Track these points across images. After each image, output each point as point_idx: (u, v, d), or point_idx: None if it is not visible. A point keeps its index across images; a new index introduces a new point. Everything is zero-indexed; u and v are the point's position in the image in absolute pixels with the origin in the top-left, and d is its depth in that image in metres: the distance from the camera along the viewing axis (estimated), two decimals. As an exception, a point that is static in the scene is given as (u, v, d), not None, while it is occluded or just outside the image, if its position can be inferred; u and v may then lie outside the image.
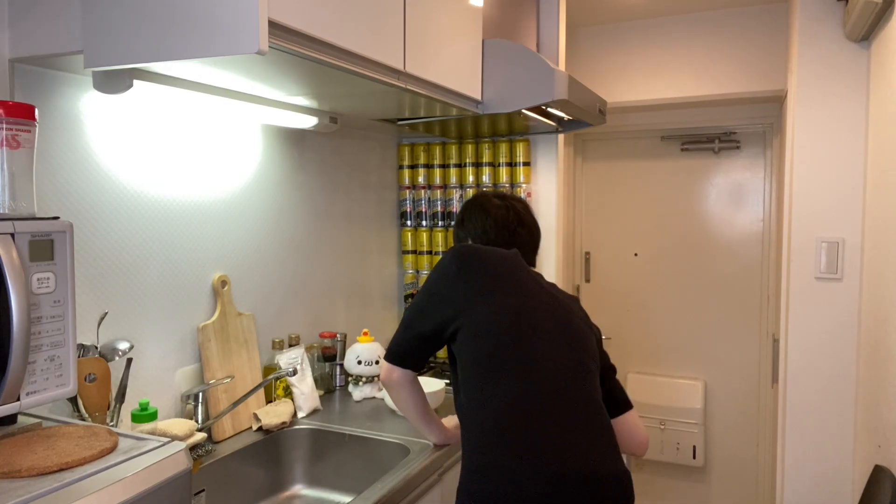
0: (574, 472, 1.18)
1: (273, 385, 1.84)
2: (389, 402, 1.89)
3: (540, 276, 1.44)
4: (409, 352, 1.42)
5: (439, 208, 2.52)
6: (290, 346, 1.92)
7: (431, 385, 1.96)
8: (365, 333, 2.12)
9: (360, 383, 2.03)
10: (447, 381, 2.13)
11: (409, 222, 2.57)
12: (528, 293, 1.35)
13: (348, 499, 1.68)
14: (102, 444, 0.91)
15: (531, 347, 1.28)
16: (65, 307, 0.97)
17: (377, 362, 2.05)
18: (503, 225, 1.54)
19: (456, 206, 2.50)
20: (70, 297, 0.97)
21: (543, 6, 2.41)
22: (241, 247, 1.81)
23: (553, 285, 1.44)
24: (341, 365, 2.13)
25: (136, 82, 1.29)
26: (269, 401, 1.83)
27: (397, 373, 1.44)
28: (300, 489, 1.75)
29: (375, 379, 2.06)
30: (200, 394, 1.59)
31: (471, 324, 1.31)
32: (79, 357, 1.30)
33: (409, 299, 2.58)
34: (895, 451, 1.61)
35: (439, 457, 1.59)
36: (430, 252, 2.55)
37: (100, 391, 1.31)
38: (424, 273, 2.56)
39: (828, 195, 2.21)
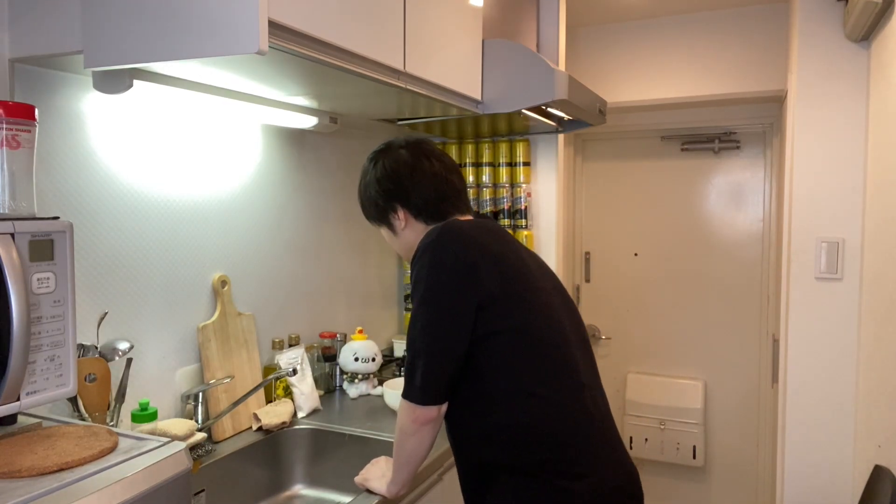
0: (628, 461, 1.25)
1: (273, 385, 1.84)
2: (389, 400, 1.89)
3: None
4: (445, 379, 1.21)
5: (439, 208, 2.52)
6: (290, 346, 1.92)
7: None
8: (359, 331, 2.12)
9: (357, 380, 2.04)
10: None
11: (409, 222, 2.57)
12: (537, 274, 1.29)
13: (348, 499, 1.68)
14: (102, 444, 0.91)
15: (562, 331, 1.26)
16: (65, 307, 0.97)
17: (374, 359, 2.05)
18: (445, 180, 1.38)
19: (456, 206, 2.49)
20: (70, 297, 0.97)
21: (543, 6, 2.41)
22: (241, 247, 1.81)
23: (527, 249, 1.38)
24: (341, 365, 2.13)
25: (136, 82, 1.29)
26: (269, 401, 1.83)
27: (436, 411, 1.22)
28: (300, 489, 1.75)
29: (371, 376, 2.06)
30: (200, 394, 1.59)
31: (506, 322, 1.18)
32: (79, 357, 1.30)
33: (410, 299, 2.58)
34: (895, 451, 1.61)
35: (439, 457, 1.59)
36: (430, 252, 2.54)
37: (100, 391, 1.31)
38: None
39: (828, 195, 2.21)
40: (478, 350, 1.19)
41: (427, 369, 1.19)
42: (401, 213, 1.38)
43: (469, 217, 1.39)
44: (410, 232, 1.39)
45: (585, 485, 1.15)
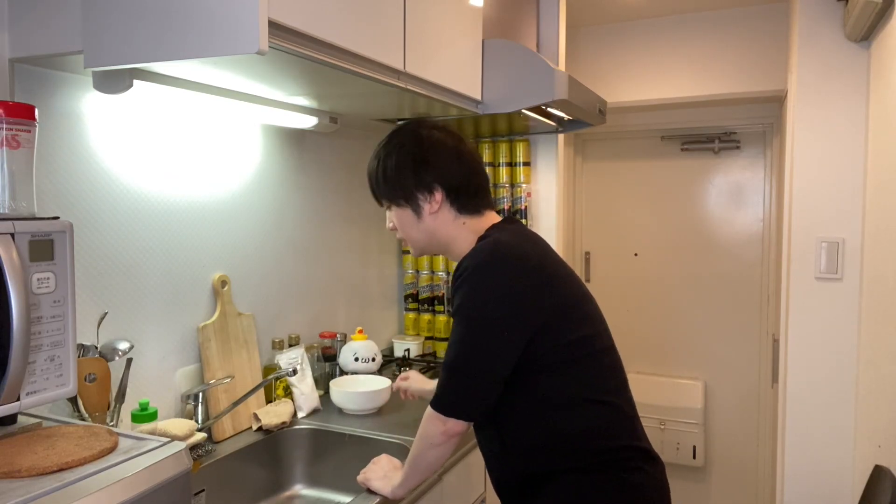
0: (657, 455, 1.29)
1: (273, 385, 1.84)
2: (335, 398, 1.87)
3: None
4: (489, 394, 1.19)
5: (439, 208, 2.52)
6: (290, 346, 1.92)
7: (378, 383, 1.95)
8: (359, 331, 2.12)
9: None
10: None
11: (409, 222, 2.57)
12: (577, 281, 1.27)
13: (348, 499, 1.68)
14: (102, 444, 0.91)
15: (609, 335, 1.29)
16: (65, 307, 0.97)
17: (374, 359, 2.05)
18: (483, 172, 1.33)
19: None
20: (70, 297, 0.97)
21: (543, 6, 2.41)
22: (241, 247, 1.81)
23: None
24: (341, 365, 2.13)
25: (136, 82, 1.29)
26: (269, 401, 1.83)
27: (466, 426, 1.21)
28: (300, 489, 1.75)
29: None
30: (200, 394, 1.59)
31: (567, 337, 1.18)
32: (79, 357, 1.30)
33: (410, 299, 2.58)
34: (895, 451, 1.61)
35: (439, 457, 1.59)
36: (430, 252, 2.54)
37: (100, 391, 1.31)
38: (425, 273, 2.55)
39: (828, 195, 2.21)
40: (539, 366, 1.18)
41: (464, 385, 1.17)
42: (438, 195, 1.27)
43: (499, 220, 1.33)
44: (439, 220, 1.28)
45: (641, 476, 1.20)
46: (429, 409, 1.22)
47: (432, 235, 1.31)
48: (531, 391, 1.19)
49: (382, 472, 1.38)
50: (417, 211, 1.29)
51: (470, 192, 1.30)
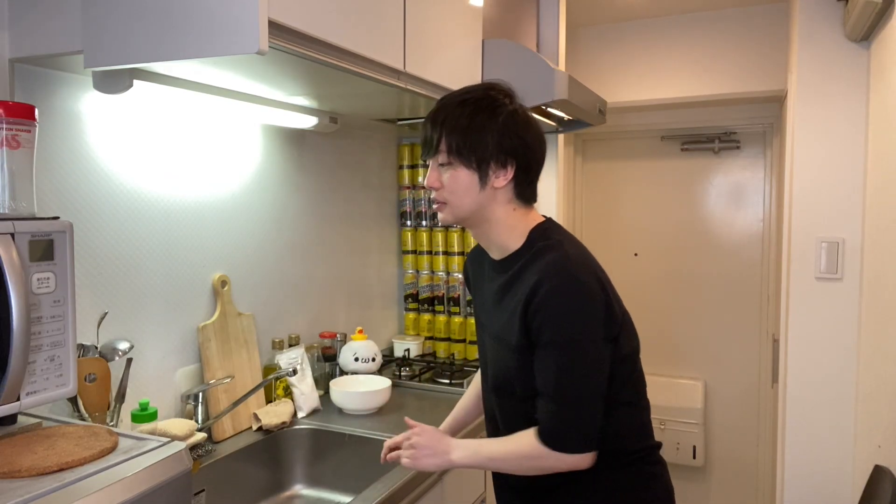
0: None
1: (273, 385, 1.84)
2: (335, 398, 1.87)
3: None
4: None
5: (439, 208, 2.52)
6: (290, 346, 1.92)
7: (378, 383, 1.95)
8: (359, 331, 2.12)
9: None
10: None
11: (409, 222, 2.57)
12: None
13: (348, 499, 1.68)
14: (102, 444, 0.91)
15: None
16: (65, 307, 0.97)
17: (374, 359, 2.05)
18: (542, 163, 1.24)
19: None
20: (70, 297, 0.97)
21: (543, 6, 2.41)
22: (241, 247, 1.81)
23: None
24: (341, 365, 2.13)
25: (136, 82, 1.29)
26: (269, 401, 1.83)
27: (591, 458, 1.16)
28: (300, 489, 1.75)
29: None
30: (200, 394, 1.59)
31: (630, 345, 1.22)
32: (79, 357, 1.30)
33: (410, 299, 2.58)
34: (895, 451, 1.61)
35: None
36: (430, 252, 2.55)
37: (100, 391, 1.31)
38: (425, 273, 2.55)
39: (828, 195, 2.21)
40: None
41: (588, 415, 1.13)
42: (510, 172, 1.17)
43: (542, 219, 1.26)
44: (497, 197, 1.19)
45: (662, 468, 1.29)
46: (563, 457, 1.13)
47: (482, 209, 1.20)
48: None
49: (430, 450, 1.24)
50: (484, 180, 1.17)
51: (532, 180, 1.23)
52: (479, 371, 1.45)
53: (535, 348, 1.15)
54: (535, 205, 1.27)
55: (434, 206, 1.24)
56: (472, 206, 1.19)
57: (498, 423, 1.32)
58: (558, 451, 1.13)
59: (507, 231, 1.22)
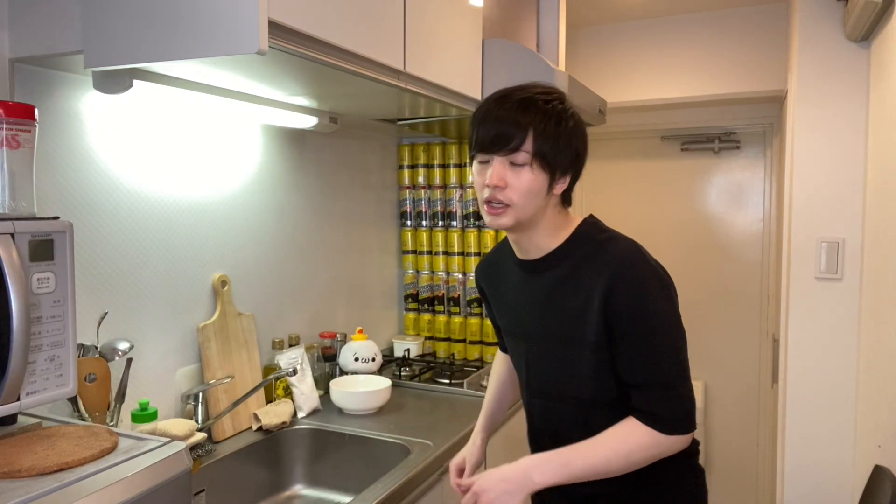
0: None
1: (273, 385, 1.84)
2: (335, 398, 1.87)
3: None
4: None
5: (439, 208, 2.52)
6: (290, 346, 1.92)
7: (378, 383, 1.95)
8: (359, 331, 2.12)
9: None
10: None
11: (409, 222, 2.57)
12: None
13: (348, 499, 1.68)
14: (102, 444, 0.91)
15: None
16: (65, 307, 0.97)
17: (374, 359, 2.05)
18: None
19: (456, 206, 2.49)
20: (70, 297, 0.97)
21: (543, 6, 2.41)
22: (241, 247, 1.81)
23: None
24: (341, 365, 2.13)
25: (136, 82, 1.29)
26: (269, 401, 1.83)
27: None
28: (300, 489, 1.75)
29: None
30: (200, 394, 1.59)
31: None
32: (79, 357, 1.30)
33: (410, 299, 2.58)
34: (895, 451, 1.61)
35: (439, 457, 1.59)
36: (430, 252, 2.55)
37: (100, 391, 1.31)
38: (425, 273, 2.55)
39: (828, 195, 2.21)
40: None
41: (691, 392, 1.15)
42: (567, 180, 1.19)
43: (581, 219, 1.29)
44: (551, 202, 1.19)
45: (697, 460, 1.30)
46: (655, 434, 1.12)
47: (540, 213, 1.18)
48: None
49: (506, 485, 1.12)
50: (551, 186, 1.16)
51: (573, 189, 1.25)
52: (504, 366, 1.50)
53: (619, 342, 1.14)
54: None
55: (488, 208, 1.16)
56: (534, 211, 1.16)
57: (543, 428, 1.29)
58: (678, 433, 1.12)
59: (553, 231, 1.22)
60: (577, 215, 1.27)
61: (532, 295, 1.25)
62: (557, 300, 1.20)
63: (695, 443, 1.27)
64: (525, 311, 1.27)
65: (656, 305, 1.12)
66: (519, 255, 1.27)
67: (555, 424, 1.27)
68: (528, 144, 1.12)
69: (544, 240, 1.22)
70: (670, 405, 1.13)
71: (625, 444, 1.13)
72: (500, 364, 1.53)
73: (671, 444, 1.13)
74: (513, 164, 1.13)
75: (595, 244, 1.19)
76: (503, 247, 1.36)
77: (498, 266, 1.35)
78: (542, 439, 1.31)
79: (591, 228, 1.23)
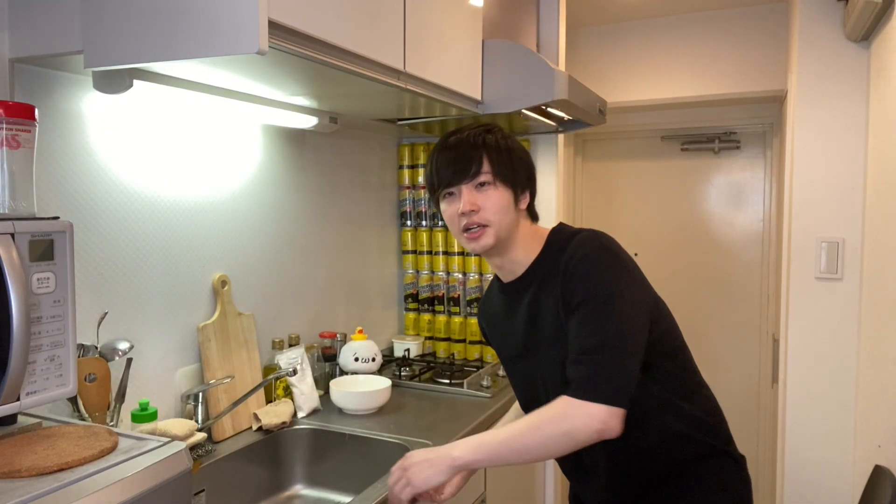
0: None
1: (273, 385, 1.84)
2: (335, 398, 1.87)
3: None
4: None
5: (439, 208, 2.52)
6: (290, 346, 1.92)
7: (378, 383, 1.94)
8: (359, 331, 2.12)
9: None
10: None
11: (409, 222, 2.57)
12: None
13: (348, 499, 1.68)
14: (102, 444, 0.91)
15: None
16: (65, 307, 0.97)
17: (374, 359, 2.05)
18: None
19: (456, 206, 2.48)
20: (70, 297, 0.97)
21: (543, 6, 2.41)
22: (241, 247, 1.81)
23: None
24: (341, 365, 2.13)
25: (136, 82, 1.29)
26: (269, 401, 1.83)
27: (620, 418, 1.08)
28: (300, 489, 1.75)
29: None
30: (200, 394, 1.59)
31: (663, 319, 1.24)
32: (79, 357, 1.30)
33: (410, 299, 2.58)
34: (895, 451, 1.61)
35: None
36: (430, 252, 2.55)
37: (100, 391, 1.31)
38: (425, 273, 2.55)
39: (828, 195, 2.21)
40: (661, 351, 1.22)
41: (622, 365, 1.08)
42: (527, 196, 1.28)
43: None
44: (520, 218, 1.26)
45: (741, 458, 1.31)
46: (586, 406, 1.07)
47: (512, 230, 1.24)
48: (662, 377, 1.21)
49: (426, 462, 1.16)
50: (516, 201, 1.24)
51: (534, 205, 1.32)
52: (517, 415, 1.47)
53: (573, 318, 1.14)
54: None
55: (468, 235, 1.22)
56: (510, 226, 1.23)
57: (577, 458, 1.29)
58: (590, 400, 1.06)
59: (528, 244, 1.27)
60: (547, 226, 1.32)
61: (519, 313, 1.28)
62: (540, 311, 1.24)
63: (729, 439, 1.29)
64: (516, 331, 1.30)
65: (599, 276, 1.12)
66: (503, 278, 1.32)
67: None
68: (486, 166, 1.21)
69: (522, 254, 1.27)
70: (588, 372, 1.08)
71: (538, 416, 1.11)
72: (514, 413, 1.52)
73: (585, 415, 1.06)
74: (478, 187, 1.21)
75: (560, 246, 1.22)
76: (490, 285, 1.43)
77: (489, 301, 1.42)
78: (567, 464, 1.34)
79: (559, 234, 1.27)
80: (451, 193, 1.23)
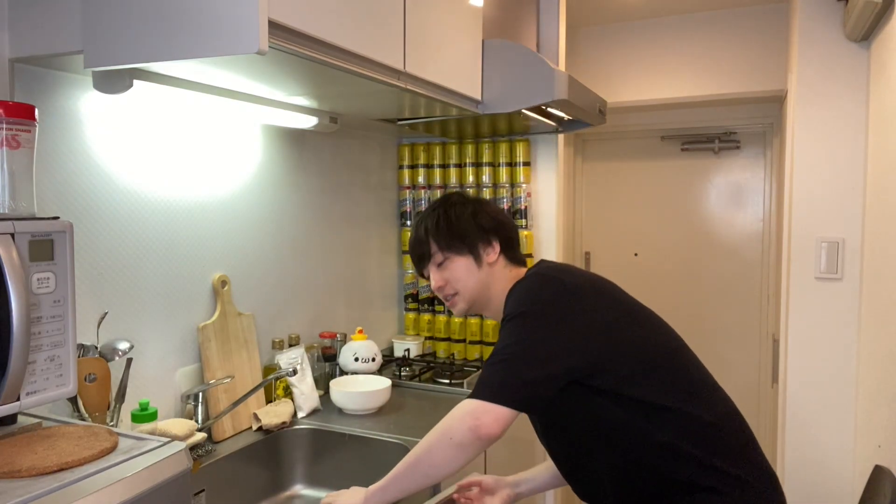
0: None
1: (273, 385, 1.84)
2: (335, 398, 1.87)
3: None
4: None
5: (439, 208, 2.52)
6: (290, 346, 1.92)
7: (378, 383, 1.94)
8: (359, 331, 2.12)
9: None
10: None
11: (409, 222, 2.57)
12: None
13: (348, 499, 1.68)
14: (102, 444, 0.91)
15: (657, 326, 1.33)
16: (65, 307, 0.97)
17: (374, 359, 2.05)
18: (516, 228, 1.43)
19: (456, 206, 2.49)
20: (70, 296, 0.97)
21: (543, 6, 2.41)
22: (241, 247, 1.81)
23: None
24: (341, 365, 2.13)
25: (136, 82, 1.29)
26: (269, 401, 1.83)
27: (504, 421, 1.08)
28: (300, 489, 1.75)
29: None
30: (200, 394, 1.59)
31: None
32: (79, 357, 1.30)
33: (410, 299, 2.58)
34: (895, 451, 1.61)
35: (439, 457, 1.59)
36: (430, 252, 2.54)
37: (100, 391, 1.31)
38: (424, 273, 2.55)
39: (828, 195, 2.21)
40: (621, 374, 1.17)
41: (513, 371, 1.09)
42: (496, 245, 1.34)
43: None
44: (495, 270, 1.33)
45: (705, 498, 1.14)
46: (464, 403, 1.10)
47: (486, 287, 1.33)
48: (624, 401, 1.14)
49: (350, 492, 1.27)
50: (478, 259, 1.33)
51: (516, 245, 1.38)
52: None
53: None
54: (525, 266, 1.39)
55: (447, 304, 1.37)
56: (478, 286, 1.33)
57: (584, 482, 1.25)
58: (474, 396, 1.09)
59: (506, 293, 1.30)
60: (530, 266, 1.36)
61: None
62: None
63: (724, 475, 1.12)
64: None
65: (515, 300, 1.18)
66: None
67: (560, 464, 1.29)
68: (434, 247, 1.34)
69: (500, 303, 1.31)
70: (483, 373, 1.12)
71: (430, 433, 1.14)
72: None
73: (462, 412, 1.07)
74: (438, 267, 1.35)
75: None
76: None
77: None
78: (570, 481, 1.31)
79: (530, 276, 1.28)
80: (427, 276, 1.38)
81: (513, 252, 1.37)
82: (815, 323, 2.24)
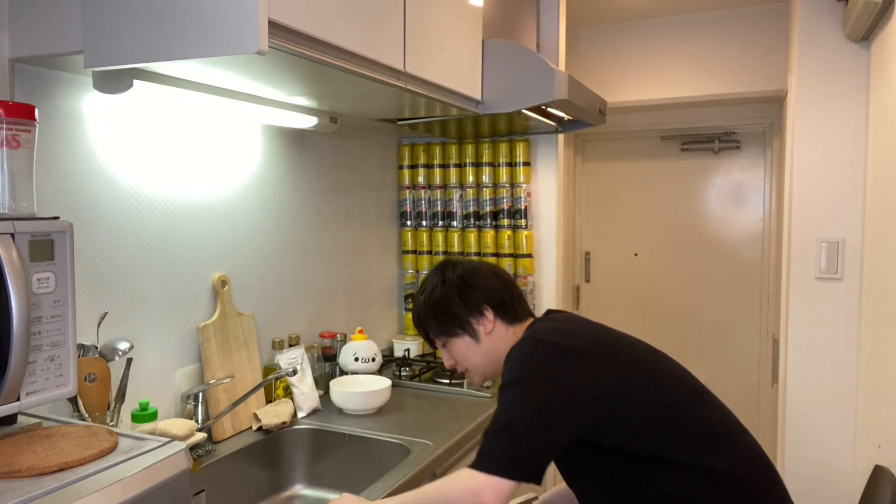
0: None
1: (273, 385, 1.84)
2: (335, 398, 1.87)
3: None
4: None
5: (439, 208, 2.52)
6: (290, 346, 1.92)
7: (378, 383, 1.94)
8: (359, 331, 2.12)
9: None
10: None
11: (409, 222, 2.57)
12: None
13: (348, 499, 1.68)
14: (102, 444, 0.91)
15: (671, 376, 1.24)
16: (65, 307, 0.97)
17: (374, 359, 2.05)
18: (513, 284, 1.40)
19: (456, 206, 2.49)
20: (70, 296, 0.97)
21: (543, 6, 2.41)
22: (241, 247, 1.81)
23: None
24: (341, 365, 2.13)
25: (136, 82, 1.29)
26: (269, 401, 1.83)
27: (507, 493, 1.08)
28: (300, 489, 1.75)
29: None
30: (200, 394, 1.59)
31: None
32: (79, 357, 1.30)
33: (410, 299, 2.58)
34: (895, 451, 1.61)
35: (439, 457, 1.59)
36: (430, 252, 2.55)
37: (100, 391, 1.31)
38: (424, 273, 2.55)
39: (828, 195, 2.21)
40: (627, 430, 1.16)
41: (513, 442, 1.09)
42: (489, 314, 1.34)
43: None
44: (495, 337, 1.34)
45: None
46: (465, 475, 1.09)
47: (492, 354, 1.35)
48: (631, 457, 1.13)
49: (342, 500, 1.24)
50: (474, 335, 1.35)
51: (513, 303, 1.37)
52: None
53: None
54: (531, 317, 1.39)
55: (465, 376, 1.43)
56: (483, 358, 1.36)
57: None
58: (474, 468, 1.08)
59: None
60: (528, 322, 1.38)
61: None
62: None
63: None
64: None
65: (510, 368, 1.17)
66: None
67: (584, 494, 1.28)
68: (431, 333, 1.40)
69: None
70: (483, 444, 1.10)
71: (439, 483, 1.13)
72: None
73: (466, 485, 1.07)
74: (442, 348, 1.40)
75: None
76: None
77: None
78: None
79: (525, 339, 1.26)
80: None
81: (510, 311, 1.36)
82: (815, 323, 2.24)
